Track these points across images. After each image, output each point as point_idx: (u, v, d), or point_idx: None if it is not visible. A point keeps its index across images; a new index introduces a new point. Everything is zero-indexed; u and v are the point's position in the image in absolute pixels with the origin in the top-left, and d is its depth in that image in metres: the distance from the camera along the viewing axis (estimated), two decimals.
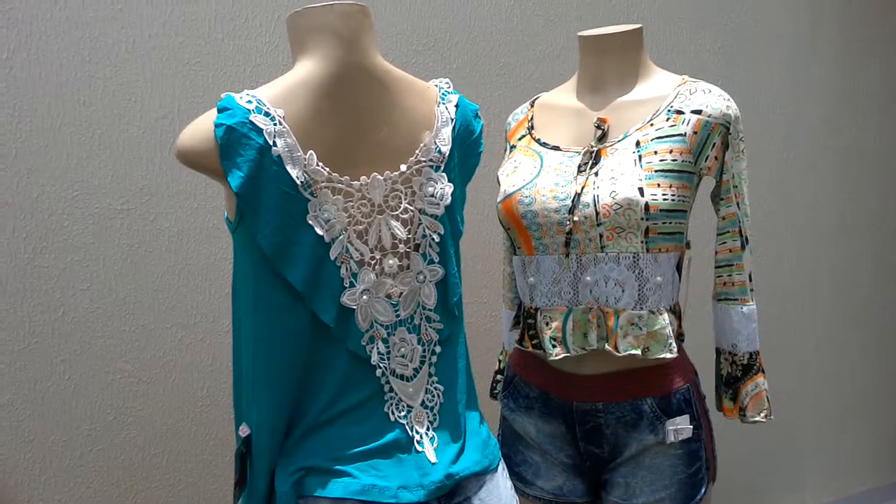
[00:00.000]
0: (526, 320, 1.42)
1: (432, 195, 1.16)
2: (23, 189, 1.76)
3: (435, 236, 1.17)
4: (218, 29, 1.92)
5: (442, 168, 1.17)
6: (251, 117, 1.04)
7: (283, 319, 1.09)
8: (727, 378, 1.41)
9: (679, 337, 1.38)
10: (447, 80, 1.24)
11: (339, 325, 1.11)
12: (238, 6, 1.94)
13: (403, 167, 1.14)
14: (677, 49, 2.53)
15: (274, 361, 1.10)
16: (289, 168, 1.05)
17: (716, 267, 1.42)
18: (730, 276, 1.40)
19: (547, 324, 1.37)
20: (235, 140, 1.03)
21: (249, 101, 1.05)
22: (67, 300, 1.84)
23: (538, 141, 1.46)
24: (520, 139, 1.51)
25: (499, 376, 1.68)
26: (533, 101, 1.56)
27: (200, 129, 1.05)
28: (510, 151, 1.52)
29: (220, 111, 1.05)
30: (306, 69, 1.10)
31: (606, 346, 1.32)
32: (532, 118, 1.52)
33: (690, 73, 1.53)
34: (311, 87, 1.09)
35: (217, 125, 1.03)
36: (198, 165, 1.05)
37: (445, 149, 1.17)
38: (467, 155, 1.23)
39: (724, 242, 1.40)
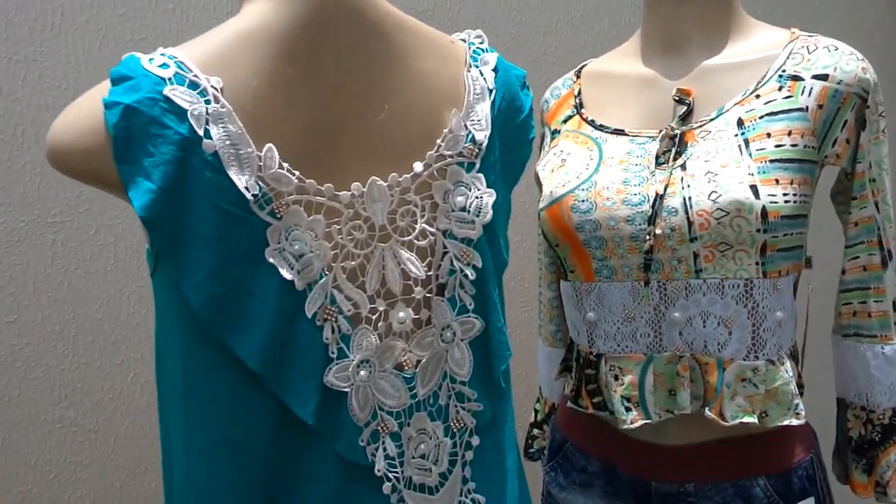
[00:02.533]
0: (583, 370, 0.98)
1: (464, 208, 0.71)
2: None
3: (469, 271, 0.72)
4: None
5: (477, 166, 0.72)
6: (167, 91, 0.59)
7: (234, 414, 0.65)
8: (858, 442, 0.98)
9: (799, 389, 0.95)
10: (479, 32, 0.78)
11: (324, 420, 0.66)
12: None
13: (418, 166, 0.69)
14: None
15: (221, 480, 0.66)
16: (232, 173, 0.61)
17: (842, 291, 0.98)
18: (864, 303, 0.95)
19: (616, 377, 0.93)
20: (140, 129, 0.58)
21: (164, 66, 0.60)
22: None
23: (591, 123, 1.01)
24: (565, 122, 1.06)
25: (535, 431, 1.23)
26: (578, 71, 1.10)
27: (83, 113, 0.60)
28: (552, 139, 1.07)
29: (114, 82, 0.60)
30: (260, 12, 0.64)
31: (708, 411, 0.88)
32: (580, 93, 1.07)
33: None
34: (267, 40, 0.63)
35: (109, 105, 0.58)
36: (82, 173, 0.61)
37: (482, 136, 0.72)
38: (512, 145, 0.78)
39: (856, 258, 0.96)
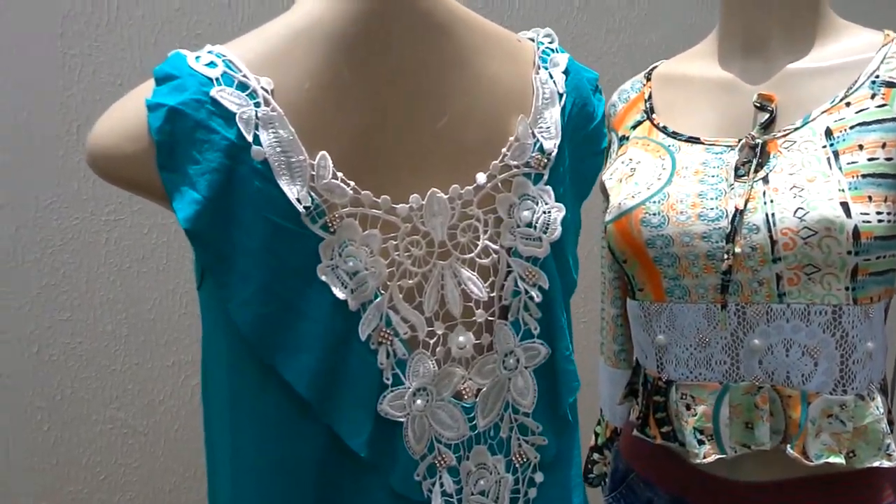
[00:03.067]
0: (651, 396, 0.90)
1: (530, 224, 0.65)
2: None
3: (534, 293, 0.65)
4: None
5: (546, 178, 0.66)
6: (214, 92, 0.54)
7: (281, 441, 0.60)
8: None
9: (889, 425, 0.86)
10: (549, 30, 0.72)
11: (377, 451, 0.61)
12: None
13: (482, 177, 0.63)
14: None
15: (270, 500, 0.61)
16: (283, 183, 0.55)
17: None
18: None
19: (688, 407, 0.86)
20: (186, 133, 0.53)
21: (212, 64, 0.55)
22: (42, 334, 1.43)
23: (664, 129, 0.94)
24: (634, 127, 0.98)
25: (596, 455, 1.15)
26: (649, 73, 1.03)
27: (125, 115, 0.55)
28: (619, 146, 0.99)
29: (159, 81, 0.55)
30: (313, 8, 0.59)
31: (790, 448, 0.80)
32: (650, 97, 0.99)
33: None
34: (321, 38, 0.58)
35: (152, 107, 0.53)
36: (121, 179, 0.56)
37: (551, 144, 0.65)
38: (583, 154, 0.71)
39: None
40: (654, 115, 0.96)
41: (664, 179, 0.88)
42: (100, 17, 1.38)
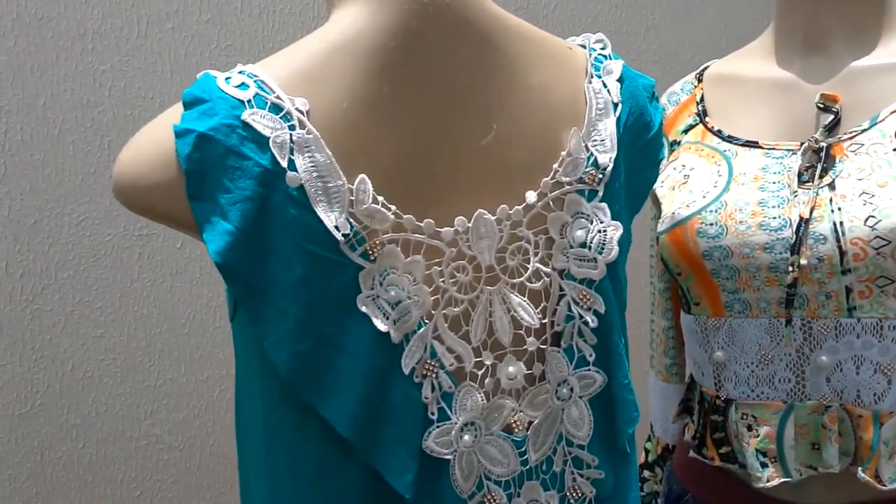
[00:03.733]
0: (708, 416, 0.86)
1: (584, 244, 0.61)
2: (16, 214, 1.33)
3: (589, 318, 0.61)
4: (255, 2, 1.42)
5: (600, 194, 0.61)
6: (246, 116, 0.50)
7: (321, 484, 0.56)
8: None
9: None
10: (601, 36, 0.67)
11: (423, 491, 0.57)
12: None
13: (532, 196, 0.59)
14: None
15: None
16: (320, 210, 0.52)
17: None
18: None
19: (750, 427, 0.81)
20: (216, 161, 0.50)
21: (243, 86, 0.52)
22: (77, 351, 1.41)
23: (718, 133, 0.89)
24: (686, 132, 0.93)
25: (646, 472, 1.11)
26: (700, 74, 0.98)
27: (152, 141, 0.52)
28: (671, 151, 0.95)
29: (187, 105, 0.52)
30: (350, 23, 0.55)
31: (861, 472, 0.75)
32: (702, 99, 0.94)
33: None
34: (359, 54, 0.54)
35: (180, 133, 0.50)
36: (149, 210, 0.53)
37: (606, 158, 0.61)
38: (640, 166, 0.66)
39: None
40: (707, 119, 0.92)
41: (721, 187, 0.83)
42: (129, 32, 1.36)
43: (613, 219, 0.61)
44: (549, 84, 0.61)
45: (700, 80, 0.97)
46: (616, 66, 0.64)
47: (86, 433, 1.43)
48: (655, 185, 0.91)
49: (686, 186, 0.85)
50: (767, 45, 0.91)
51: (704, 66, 0.98)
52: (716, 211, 0.81)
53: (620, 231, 0.61)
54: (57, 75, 1.32)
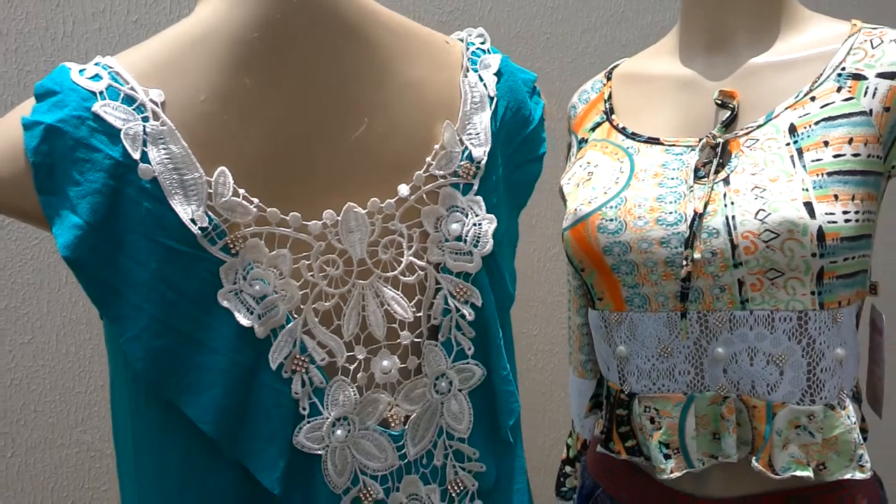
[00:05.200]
0: (614, 410, 0.86)
1: (460, 237, 0.60)
2: None
3: (466, 311, 0.61)
4: (184, 3, 1.41)
5: (475, 188, 0.61)
6: (97, 107, 0.50)
7: (190, 485, 0.56)
8: None
9: (862, 433, 0.81)
10: (481, 31, 0.67)
11: (294, 488, 0.57)
12: None
13: (404, 189, 0.59)
14: None
15: None
16: (175, 203, 0.51)
17: None
18: None
19: (652, 420, 0.81)
20: (64, 153, 0.49)
21: (97, 77, 0.51)
22: (3, 358, 1.37)
23: (623, 131, 0.89)
24: (593, 129, 0.94)
25: (568, 468, 1.11)
26: (609, 72, 0.98)
27: (0, 135, 0.51)
28: (578, 148, 0.95)
29: (38, 98, 0.51)
30: (211, 12, 0.55)
31: (755, 461, 0.76)
32: (610, 97, 0.95)
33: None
34: (220, 45, 0.54)
35: (28, 125, 0.49)
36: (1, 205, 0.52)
37: (480, 152, 0.61)
38: (518, 161, 0.66)
39: None
40: (613, 116, 0.92)
41: (622, 183, 0.83)
42: (55, 32, 1.34)
43: (489, 212, 0.61)
44: (424, 78, 0.61)
45: (609, 79, 0.97)
46: (494, 61, 0.64)
47: (14, 441, 1.40)
48: (563, 183, 0.91)
49: (589, 183, 0.86)
50: (673, 43, 0.92)
51: (614, 64, 0.99)
52: (616, 207, 0.81)
53: (495, 224, 0.61)
54: None
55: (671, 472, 0.80)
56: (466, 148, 0.61)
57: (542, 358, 1.76)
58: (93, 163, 0.49)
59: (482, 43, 0.66)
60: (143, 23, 1.38)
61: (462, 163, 0.61)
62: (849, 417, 0.76)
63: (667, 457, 0.80)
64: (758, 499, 0.80)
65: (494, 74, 0.64)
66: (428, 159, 0.60)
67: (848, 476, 0.75)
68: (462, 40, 0.66)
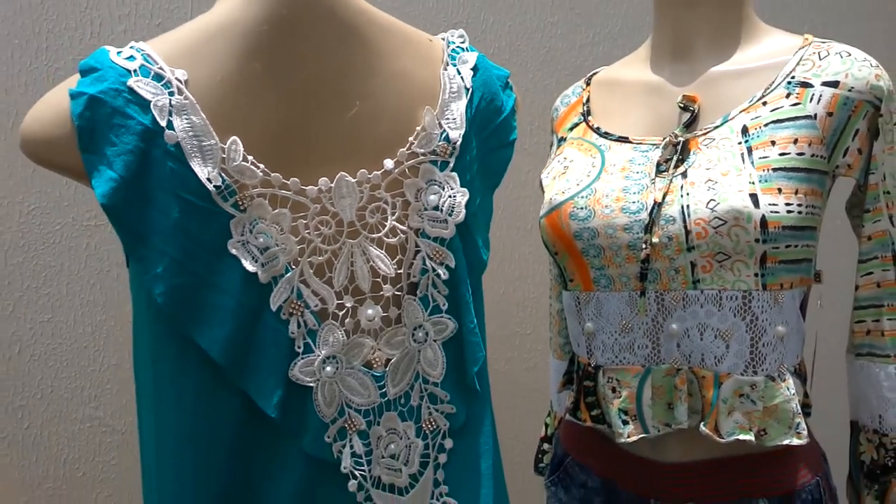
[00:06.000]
0: (582, 382, 0.95)
1: (436, 207, 0.71)
2: None
3: (441, 271, 0.71)
4: (202, 8, 1.51)
5: (451, 165, 0.72)
6: (131, 82, 0.61)
7: (200, 408, 0.66)
8: (871, 468, 0.93)
9: (805, 409, 0.90)
10: (461, 32, 0.78)
11: (289, 414, 0.67)
12: None
13: (389, 163, 0.69)
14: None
15: (187, 470, 0.66)
16: (194, 165, 0.62)
17: (855, 308, 0.93)
18: (877, 321, 0.91)
19: (614, 390, 0.91)
20: (104, 119, 0.60)
21: (131, 58, 0.62)
22: (24, 335, 1.47)
23: (597, 130, 1.00)
24: (571, 129, 1.04)
25: (546, 445, 1.20)
26: (589, 79, 1.09)
27: (51, 103, 0.62)
28: (558, 146, 1.06)
29: (83, 73, 0.62)
30: (229, 9, 0.66)
31: (703, 426, 0.85)
32: (588, 100, 1.05)
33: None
34: (235, 35, 0.64)
35: (74, 96, 0.60)
36: (50, 161, 0.62)
37: (456, 134, 0.72)
38: (492, 145, 0.77)
39: (870, 273, 0.91)
40: (589, 118, 1.02)
41: (593, 176, 0.93)
42: (83, 33, 1.45)
43: (462, 186, 0.71)
44: (409, 69, 0.71)
45: (588, 84, 1.08)
46: (471, 57, 0.75)
47: (31, 414, 1.49)
48: (542, 176, 1.01)
49: (564, 176, 0.96)
50: (645, 53, 1.02)
51: (594, 71, 1.09)
52: (586, 197, 0.91)
53: (468, 196, 0.71)
54: (11, 72, 1.40)
55: (628, 437, 0.89)
56: (444, 130, 0.71)
57: (536, 356, 1.85)
58: (127, 128, 0.60)
59: (462, 42, 0.77)
60: (166, 26, 1.49)
61: (440, 143, 0.71)
62: (788, 389, 0.85)
63: (625, 422, 0.90)
64: (709, 463, 0.89)
65: (471, 69, 0.74)
66: (410, 139, 0.70)
67: (786, 442, 0.84)
68: (444, 39, 0.76)
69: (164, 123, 0.61)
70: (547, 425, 1.19)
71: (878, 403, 0.91)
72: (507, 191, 1.73)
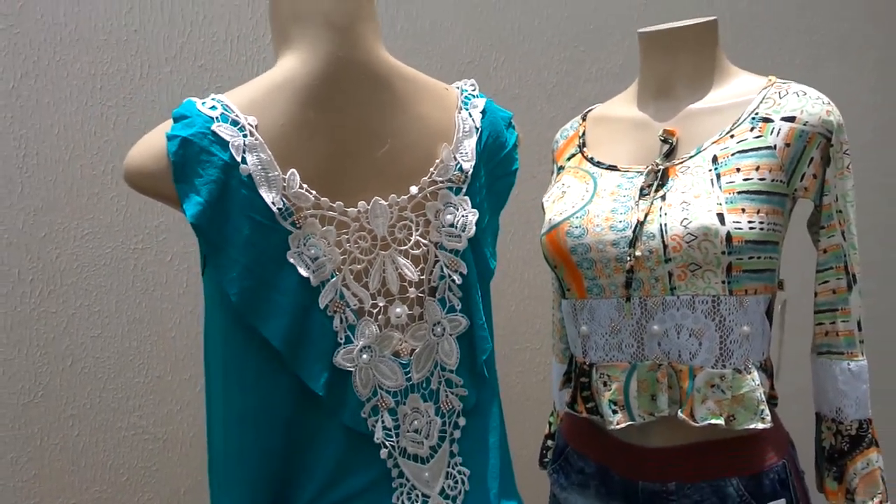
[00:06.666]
0: (578, 378, 1.13)
1: (452, 225, 0.89)
2: (29, 228, 1.59)
3: (456, 277, 0.89)
4: (241, 51, 1.72)
5: (464, 190, 0.90)
6: (214, 127, 0.79)
7: (260, 386, 0.83)
8: (830, 452, 1.09)
9: (771, 400, 1.07)
10: (472, 81, 0.97)
11: (333, 393, 0.84)
12: (262, 26, 1.73)
13: (414, 189, 0.88)
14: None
15: (249, 440, 0.84)
16: (262, 191, 0.80)
17: (815, 312, 1.10)
18: (833, 323, 1.08)
19: (605, 384, 1.08)
20: (193, 156, 0.78)
21: (213, 108, 0.81)
22: (76, 349, 1.65)
23: (591, 160, 1.18)
24: (569, 159, 1.23)
25: (549, 442, 1.37)
26: (585, 115, 1.28)
27: (150, 143, 0.81)
28: (557, 174, 1.24)
29: (175, 120, 0.81)
30: (288, 67, 0.85)
31: (680, 412, 1.02)
32: (584, 134, 1.24)
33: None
34: (293, 89, 0.83)
35: (170, 138, 0.79)
36: (149, 190, 0.81)
37: (468, 165, 0.90)
38: (498, 174, 0.96)
39: (826, 281, 1.08)
40: (584, 149, 1.21)
41: (586, 199, 1.11)
42: (133, 74, 1.63)
43: (473, 207, 0.90)
44: (429, 113, 0.90)
45: (584, 120, 1.26)
46: (480, 102, 0.94)
47: (80, 423, 1.65)
48: (544, 200, 1.19)
49: (562, 200, 1.14)
50: (632, 93, 1.21)
51: (589, 108, 1.28)
52: (580, 217, 1.09)
53: (477, 216, 0.89)
54: (70, 109, 1.59)
55: (617, 424, 1.06)
56: (458, 163, 0.90)
57: (546, 369, 2.01)
58: (211, 163, 0.78)
59: (473, 90, 0.95)
60: (207, 67, 1.69)
61: (455, 173, 0.89)
62: (754, 381, 1.01)
63: (615, 412, 1.07)
64: (688, 448, 1.05)
65: (480, 112, 0.93)
66: (431, 169, 0.89)
67: (752, 426, 1.00)
68: (458, 87, 0.95)
69: (239, 159, 0.79)
70: (550, 423, 1.36)
71: (835, 396, 1.08)
72: (517, 216, 1.90)
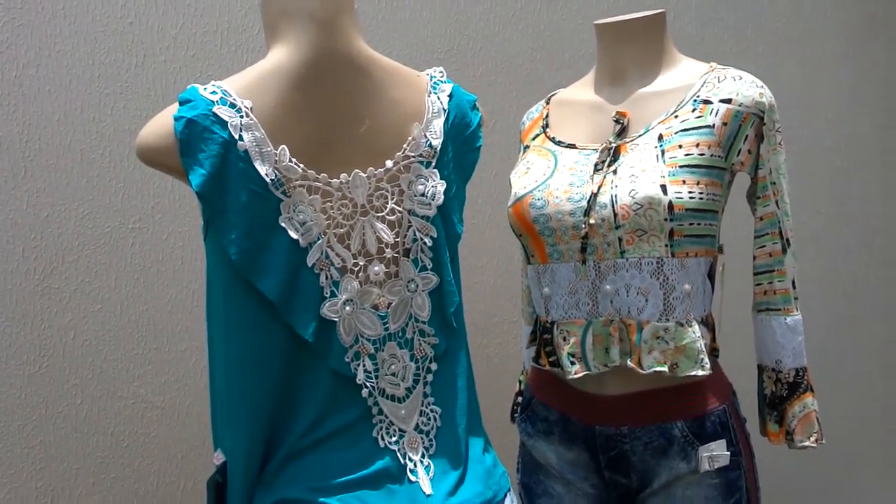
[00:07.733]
0: (542, 335, 1.28)
1: (423, 194, 1.03)
2: (32, 208, 1.71)
3: (427, 240, 1.04)
4: (231, 41, 1.84)
5: (433, 164, 1.05)
6: (214, 109, 0.93)
7: (257, 335, 0.97)
8: (771, 398, 1.25)
9: (713, 352, 1.22)
10: (441, 68, 1.12)
11: (320, 340, 0.99)
12: (250, 18, 1.86)
13: (389, 163, 1.02)
14: (716, 52, 2.37)
15: (248, 382, 0.98)
16: (257, 164, 0.94)
17: (755, 274, 1.26)
18: (770, 283, 1.23)
19: (564, 338, 1.23)
20: (197, 134, 0.92)
21: (214, 93, 0.94)
22: (79, 323, 1.77)
23: (553, 139, 1.32)
24: (534, 139, 1.37)
25: (519, 399, 1.53)
26: (549, 99, 1.42)
27: (160, 123, 0.94)
28: (523, 152, 1.38)
29: (181, 104, 0.94)
30: (278, 57, 0.99)
31: (629, 362, 1.17)
32: (547, 116, 1.38)
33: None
34: (283, 76, 0.97)
35: (177, 118, 0.93)
36: (158, 163, 0.95)
37: (437, 142, 1.05)
38: (464, 150, 1.10)
39: (763, 246, 1.24)
40: (547, 129, 1.35)
41: (548, 174, 1.26)
42: (129, 63, 1.76)
43: (442, 179, 1.04)
44: (403, 97, 1.05)
45: (548, 103, 1.41)
46: (447, 87, 1.08)
47: (83, 392, 1.78)
48: (511, 176, 1.34)
49: (526, 175, 1.29)
50: (590, 78, 1.36)
51: (552, 93, 1.42)
52: (542, 190, 1.24)
53: (445, 186, 1.04)
54: (69, 96, 1.72)
55: (576, 374, 1.21)
56: (428, 140, 1.04)
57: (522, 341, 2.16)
58: (212, 140, 0.92)
59: (441, 76, 1.10)
60: (199, 57, 1.81)
61: (425, 149, 1.04)
62: (694, 333, 1.16)
63: (573, 363, 1.21)
64: (639, 395, 1.20)
65: (448, 95, 1.07)
66: (404, 146, 1.03)
67: (693, 373, 1.15)
68: (428, 74, 1.09)
69: (236, 137, 0.93)
70: (520, 382, 1.52)
71: (774, 348, 1.23)
72: (495, 196, 2.05)
